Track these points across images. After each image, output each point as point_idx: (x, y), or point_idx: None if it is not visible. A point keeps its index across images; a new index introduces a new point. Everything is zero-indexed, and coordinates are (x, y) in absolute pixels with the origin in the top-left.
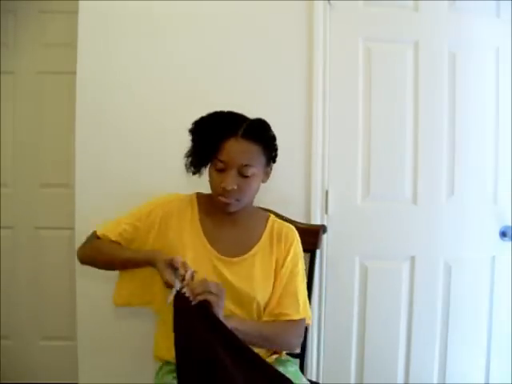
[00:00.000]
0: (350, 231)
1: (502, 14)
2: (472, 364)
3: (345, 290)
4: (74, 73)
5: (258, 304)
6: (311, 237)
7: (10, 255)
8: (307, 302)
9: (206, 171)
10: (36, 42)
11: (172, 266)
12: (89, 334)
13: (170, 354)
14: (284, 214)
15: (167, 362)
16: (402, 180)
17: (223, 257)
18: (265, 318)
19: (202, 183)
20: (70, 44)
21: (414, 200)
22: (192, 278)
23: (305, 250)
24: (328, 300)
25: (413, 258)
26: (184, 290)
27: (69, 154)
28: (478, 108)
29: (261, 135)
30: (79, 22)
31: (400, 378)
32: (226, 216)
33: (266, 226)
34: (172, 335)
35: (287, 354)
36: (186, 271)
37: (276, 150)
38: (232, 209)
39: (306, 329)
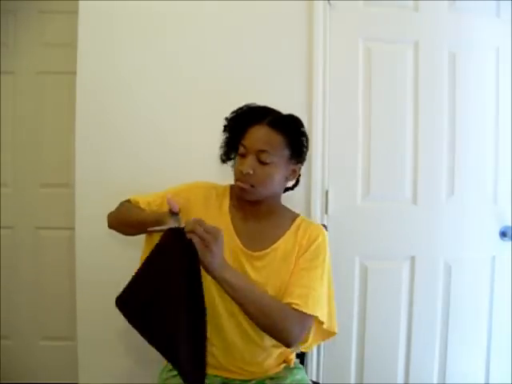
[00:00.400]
0: (350, 231)
1: (502, 14)
2: (472, 364)
3: (345, 290)
4: (74, 73)
5: None
6: None
7: (10, 255)
8: (321, 301)
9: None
10: (36, 42)
11: (173, 213)
12: (89, 334)
13: None
14: None
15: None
16: (402, 180)
17: (245, 249)
18: None
19: None
20: (70, 44)
21: (414, 200)
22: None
23: None
24: None
25: (413, 258)
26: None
27: (69, 154)
28: (478, 108)
29: (287, 127)
30: (79, 22)
31: (400, 378)
32: (252, 209)
33: (291, 224)
34: None
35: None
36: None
37: (304, 147)
38: (247, 196)
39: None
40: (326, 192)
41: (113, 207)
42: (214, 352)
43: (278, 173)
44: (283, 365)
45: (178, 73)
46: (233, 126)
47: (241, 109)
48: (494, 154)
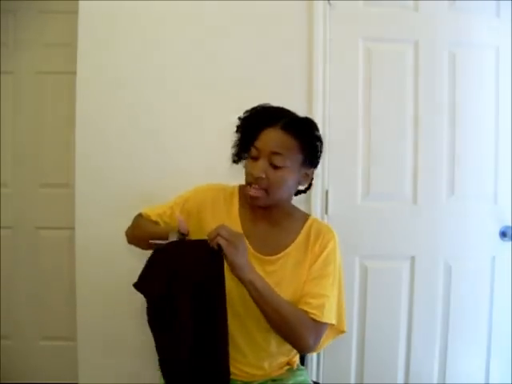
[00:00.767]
0: (350, 231)
1: (502, 14)
2: (472, 364)
3: (345, 289)
4: (74, 73)
5: None
6: None
7: (10, 255)
8: (334, 307)
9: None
10: (36, 42)
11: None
12: (89, 334)
13: None
14: None
15: None
16: (401, 180)
17: (257, 253)
18: None
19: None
20: (70, 44)
21: (414, 200)
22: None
23: None
24: None
25: (413, 258)
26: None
27: (69, 154)
28: (478, 108)
29: (301, 131)
30: (79, 22)
31: (400, 378)
32: (263, 212)
33: (303, 226)
34: None
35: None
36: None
37: (318, 151)
38: (260, 203)
39: None
40: (326, 192)
41: (113, 207)
42: None
43: (290, 177)
44: (286, 367)
45: (177, 73)
46: (246, 126)
47: (255, 109)
48: (494, 154)
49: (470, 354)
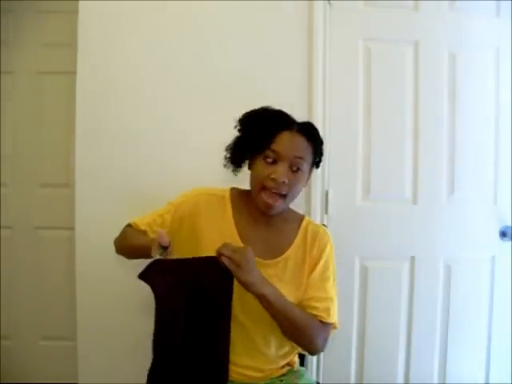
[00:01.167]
0: (349, 231)
1: (502, 14)
2: (472, 364)
3: (345, 290)
4: (74, 73)
5: None
6: None
7: (10, 255)
8: (335, 306)
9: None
10: (35, 41)
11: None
12: (89, 334)
13: None
14: None
15: None
16: (401, 180)
17: (256, 258)
18: None
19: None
20: (70, 44)
21: (414, 200)
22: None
23: None
24: None
25: (413, 258)
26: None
27: (69, 154)
28: (478, 108)
29: (313, 135)
30: (79, 22)
31: (400, 378)
32: (260, 215)
33: (299, 228)
34: None
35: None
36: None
37: (322, 154)
38: (277, 210)
39: None
40: (326, 192)
41: (113, 207)
42: None
43: (303, 180)
44: (287, 368)
45: (177, 73)
46: (258, 129)
47: (260, 113)
48: (494, 154)
49: (469, 353)
